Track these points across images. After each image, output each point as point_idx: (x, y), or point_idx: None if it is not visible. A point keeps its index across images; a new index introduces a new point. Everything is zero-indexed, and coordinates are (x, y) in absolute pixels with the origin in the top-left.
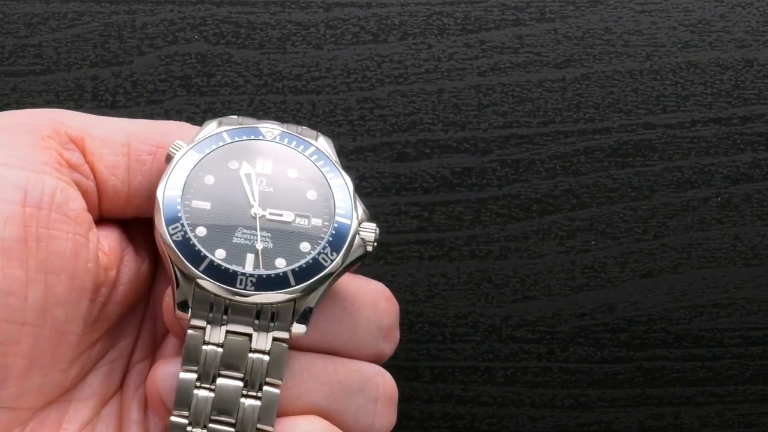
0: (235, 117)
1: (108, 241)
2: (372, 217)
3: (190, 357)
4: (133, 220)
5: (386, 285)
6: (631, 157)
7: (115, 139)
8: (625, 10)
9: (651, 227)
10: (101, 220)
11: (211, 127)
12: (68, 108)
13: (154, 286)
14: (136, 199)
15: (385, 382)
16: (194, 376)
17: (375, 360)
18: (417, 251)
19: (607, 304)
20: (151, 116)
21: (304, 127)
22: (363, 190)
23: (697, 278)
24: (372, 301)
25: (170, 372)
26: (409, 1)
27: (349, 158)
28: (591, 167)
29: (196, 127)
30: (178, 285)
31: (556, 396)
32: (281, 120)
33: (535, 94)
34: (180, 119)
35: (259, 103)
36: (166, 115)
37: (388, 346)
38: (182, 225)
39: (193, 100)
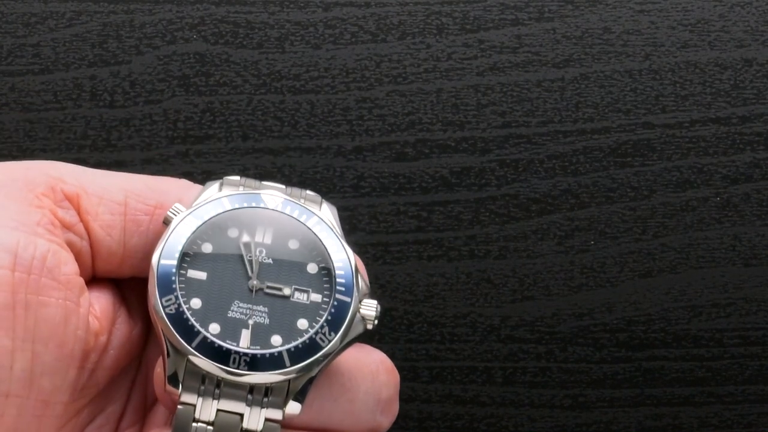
0: (238, 178)
1: (100, 304)
2: (371, 216)
3: None
4: (128, 279)
5: (385, 285)
6: (630, 156)
7: (111, 197)
8: (624, 9)
9: (650, 227)
10: (94, 279)
11: (213, 189)
12: (66, 108)
13: (146, 348)
14: (132, 260)
15: None
16: None
17: None
18: (416, 251)
19: (606, 304)
20: (149, 116)
21: (308, 191)
22: (362, 189)
23: (696, 278)
24: (371, 374)
25: None
26: (407, 1)
27: (347, 158)
28: (590, 167)
29: (197, 186)
30: (169, 357)
31: (555, 396)
32: (280, 121)
33: (534, 93)
34: (178, 119)
35: (257, 103)
36: (164, 115)
37: (386, 419)
38: (176, 297)
39: (192, 100)
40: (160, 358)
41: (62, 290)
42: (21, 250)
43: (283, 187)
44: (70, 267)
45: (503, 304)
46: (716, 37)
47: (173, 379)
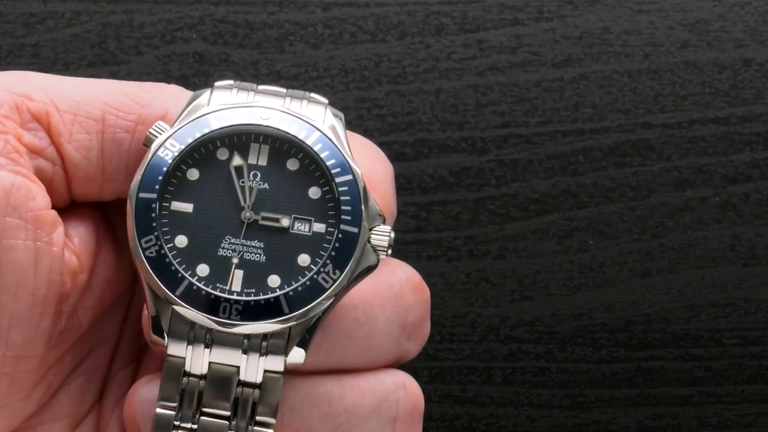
0: (231, 82)
1: (79, 236)
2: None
3: (168, 390)
4: (113, 201)
5: None
6: (630, 156)
7: (87, 113)
8: (623, 9)
9: (649, 227)
10: (73, 204)
11: (202, 99)
12: None
13: (139, 279)
14: (113, 184)
15: (406, 395)
16: (172, 413)
17: (396, 363)
18: (415, 251)
19: (605, 304)
20: None
21: (312, 94)
22: None
23: (696, 278)
24: (393, 298)
25: (149, 398)
26: (407, 1)
27: None
28: (589, 167)
29: (186, 93)
30: (153, 307)
31: (555, 396)
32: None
33: (533, 93)
34: None
35: None
36: None
37: (415, 345)
38: (157, 237)
39: None
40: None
41: (30, 230)
42: None
43: (284, 90)
44: (39, 201)
45: (502, 304)
46: (715, 37)
47: (158, 328)
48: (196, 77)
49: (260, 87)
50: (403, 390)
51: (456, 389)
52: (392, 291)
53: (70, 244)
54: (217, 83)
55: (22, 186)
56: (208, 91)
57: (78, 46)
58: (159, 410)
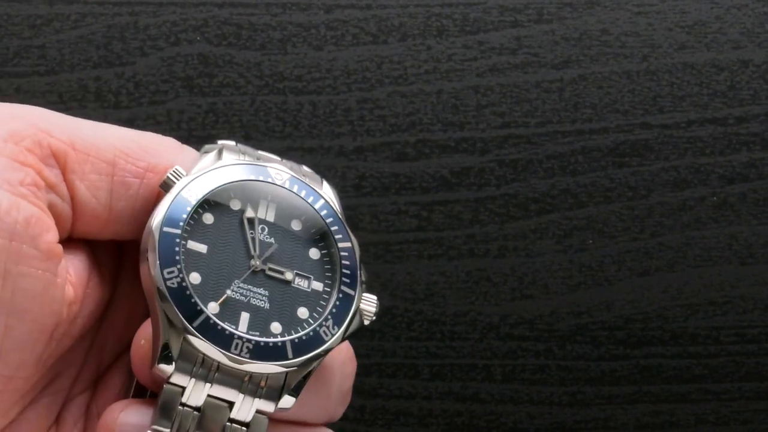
0: (233, 143)
1: (75, 268)
2: (373, 216)
3: (164, 415)
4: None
5: (385, 283)
6: (628, 156)
7: (100, 155)
8: (622, 11)
9: (648, 226)
10: (69, 239)
11: (210, 157)
12: (72, 109)
13: (108, 310)
14: (115, 225)
15: None
16: None
17: (328, 423)
18: (416, 250)
19: (604, 302)
20: (153, 117)
21: (305, 167)
22: (363, 189)
23: (694, 277)
24: (341, 365)
25: (131, 422)
26: (408, 3)
27: (349, 158)
28: (588, 167)
29: (187, 148)
30: (164, 336)
31: (554, 393)
32: (283, 121)
33: (533, 94)
34: (182, 119)
35: (260, 104)
36: (168, 116)
37: (342, 409)
38: (179, 270)
39: (195, 101)
40: (142, 330)
41: (43, 260)
42: (4, 213)
43: (279, 158)
44: (51, 235)
45: (502, 302)
46: (713, 39)
47: (166, 358)
48: (200, 78)
49: (259, 152)
50: None
51: (457, 386)
52: (341, 358)
53: (69, 276)
54: (224, 143)
55: (40, 218)
56: (216, 150)
57: (84, 47)
58: None
